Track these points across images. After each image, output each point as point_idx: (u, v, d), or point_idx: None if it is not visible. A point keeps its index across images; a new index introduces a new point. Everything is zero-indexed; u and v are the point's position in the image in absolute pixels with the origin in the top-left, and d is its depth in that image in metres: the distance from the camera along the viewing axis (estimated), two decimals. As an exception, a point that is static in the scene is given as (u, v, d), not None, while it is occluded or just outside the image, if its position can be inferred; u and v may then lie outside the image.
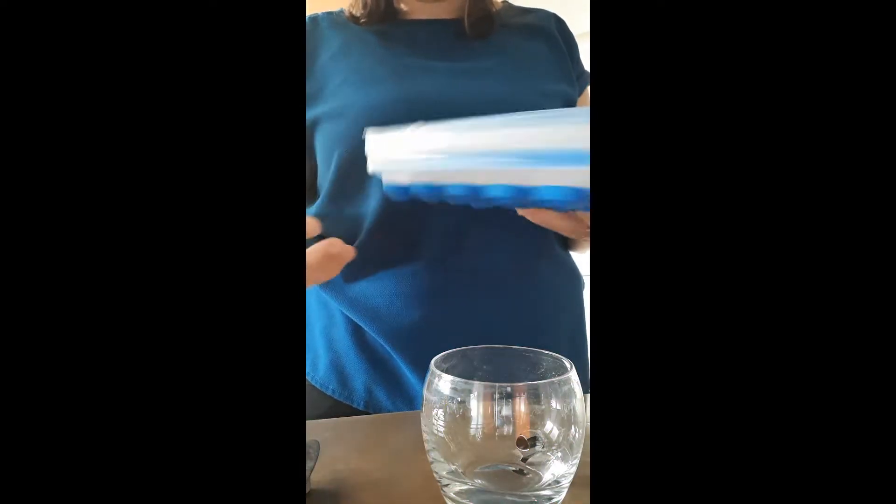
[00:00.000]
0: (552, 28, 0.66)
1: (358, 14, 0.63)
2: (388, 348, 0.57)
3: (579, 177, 0.39)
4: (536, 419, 0.31)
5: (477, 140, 0.42)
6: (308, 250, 0.48)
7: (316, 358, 0.62)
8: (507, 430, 0.31)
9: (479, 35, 0.62)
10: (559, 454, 0.32)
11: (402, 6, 0.64)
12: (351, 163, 0.55)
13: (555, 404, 0.32)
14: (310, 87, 0.59)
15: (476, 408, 0.31)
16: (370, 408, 0.58)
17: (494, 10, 0.64)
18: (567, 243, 0.65)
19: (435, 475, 0.34)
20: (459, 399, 0.32)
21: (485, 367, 0.37)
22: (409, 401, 0.57)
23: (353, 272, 0.57)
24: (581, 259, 0.69)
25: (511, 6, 0.68)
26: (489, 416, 0.31)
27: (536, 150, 0.39)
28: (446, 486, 0.33)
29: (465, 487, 0.32)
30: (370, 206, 0.56)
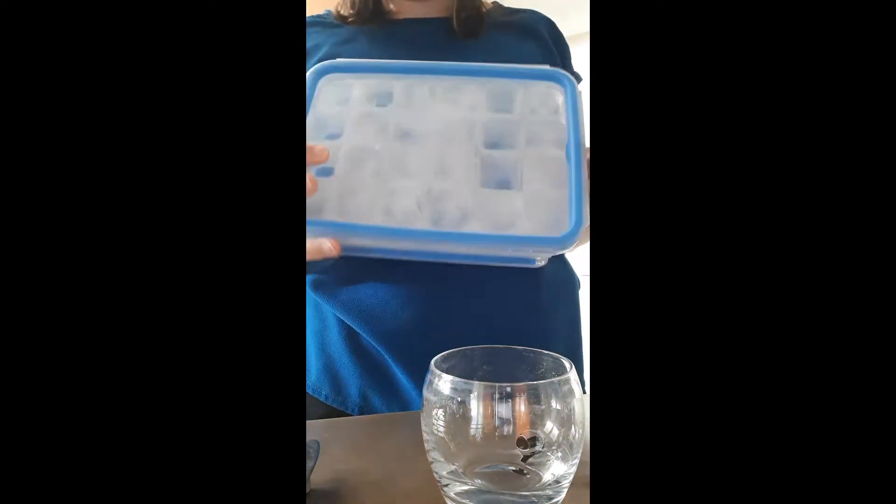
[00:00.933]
0: (542, 29, 0.66)
1: (346, 14, 0.62)
2: (382, 352, 0.56)
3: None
4: (536, 419, 0.31)
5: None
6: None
7: (307, 363, 0.61)
8: (507, 430, 0.31)
9: (468, 34, 0.61)
10: (559, 454, 0.32)
11: (391, 6, 0.64)
12: None
13: (554, 404, 0.31)
14: None
15: (476, 408, 0.31)
16: (364, 413, 0.57)
17: (484, 9, 0.64)
18: None
19: (435, 475, 0.34)
20: (459, 399, 0.32)
21: (485, 367, 0.37)
22: (405, 406, 0.56)
23: (347, 275, 0.56)
24: (580, 259, 0.69)
25: (501, 6, 0.68)
26: (489, 416, 0.31)
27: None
28: (446, 486, 0.33)
29: (465, 487, 0.32)
30: None
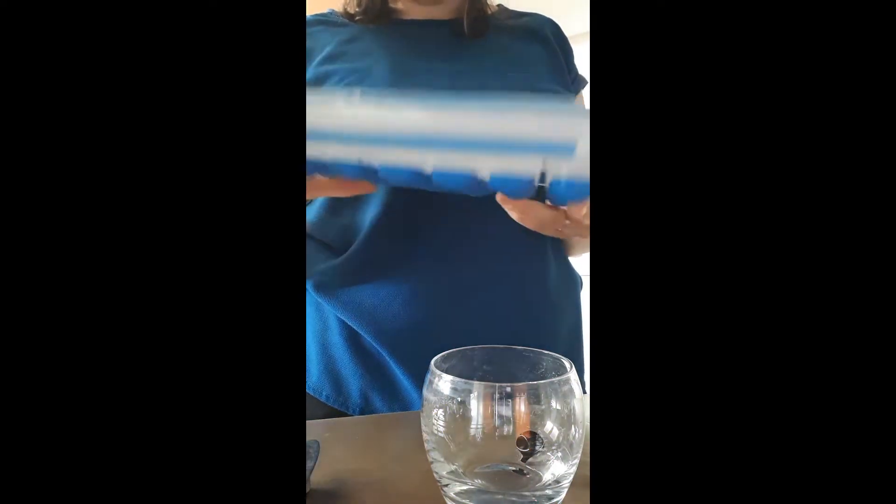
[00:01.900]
0: (547, 32, 0.66)
1: (353, 12, 0.62)
2: (384, 353, 0.56)
3: (532, 166, 0.36)
4: (536, 419, 0.31)
5: (422, 120, 0.37)
6: None
7: (308, 363, 0.61)
8: (507, 430, 0.31)
9: (475, 35, 0.62)
10: (559, 454, 0.32)
11: (399, 5, 0.64)
12: None
13: (555, 404, 0.31)
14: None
15: (476, 408, 0.31)
16: (365, 414, 0.57)
17: (490, 12, 0.64)
18: (564, 247, 0.65)
19: (435, 475, 0.34)
20: (459, 399, 0.32)
21: (485, 367, 0.37)
22: (406, 407, 0.56)
23: (349, 275, 0.57)
24: (580, 260, 0.69)
25: (506, 9, 0.68)
26: (489, 416, 0.31)
27: (487, 137, 0.36)
28: (446, 486, 0.33)
29: (465, 487, 0.32)
30: (370, 213, 0.56)
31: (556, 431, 0.32)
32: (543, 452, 0.32)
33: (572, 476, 0.32)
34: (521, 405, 0.31)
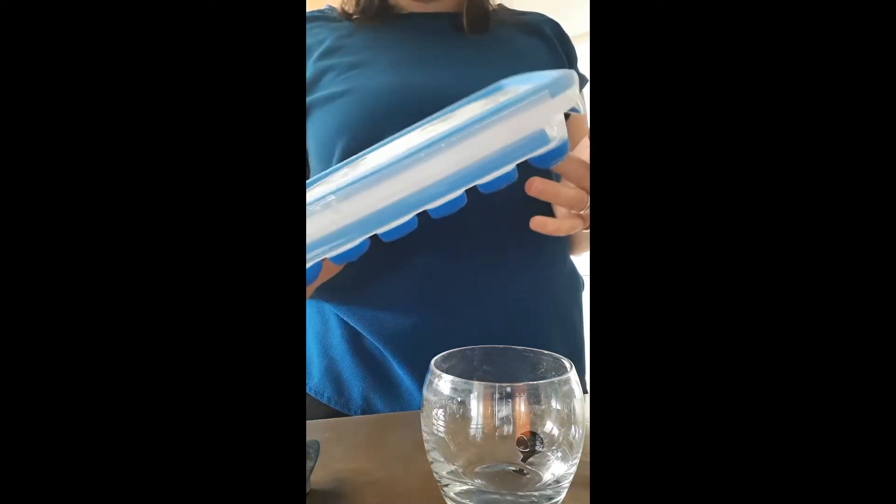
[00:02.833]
0: (548, 30, 0.66)
1: (350, 10, 0.62)
2: (386, 354, 0.56)
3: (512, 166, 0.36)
4: (536, 419, 0.31)
5: (400, 186, 0.36)
6: None
7: (310, 365, 0.61)
8: (507, 430, 0.31)
9: (475, 31, 0.62)
10: (559, 454, 0.32)
11: (398, 1, 0.63)
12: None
13: (555, 404, 0.32)
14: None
15: (476, 408, 0.31)
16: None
17: (490, 8, 0.64)
18: (570, 245, 0.65)
19: (435, 475, 0.34)
20: (459, 399, 0.32)
21: (485, 367, 0.37)
22: (407, 408, 0.56)
23: (350, 276, 0.57)
24: (580, 260, 0.69)
25: (507, 8, 0.68)
26: (489, 416, 0.31)
27: (464, 171, 0.36)
28: (446, 486, 0.33)
29: (465, 487, 0.32)
30: None
31: (556, 431, 0.32)
32: (543, 452, 0.32)
33: (572, 476, 0.32)
34: (521, 405, 0.31)
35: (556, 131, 0.37)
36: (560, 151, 0.37)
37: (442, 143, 0.35)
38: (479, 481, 0.32)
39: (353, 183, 0.36)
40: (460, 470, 0.32)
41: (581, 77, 0.68)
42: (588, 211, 0.45)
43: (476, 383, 0.31)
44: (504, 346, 0.37)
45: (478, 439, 0.31)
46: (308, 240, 0.37)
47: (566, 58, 0.66)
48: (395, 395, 0.57)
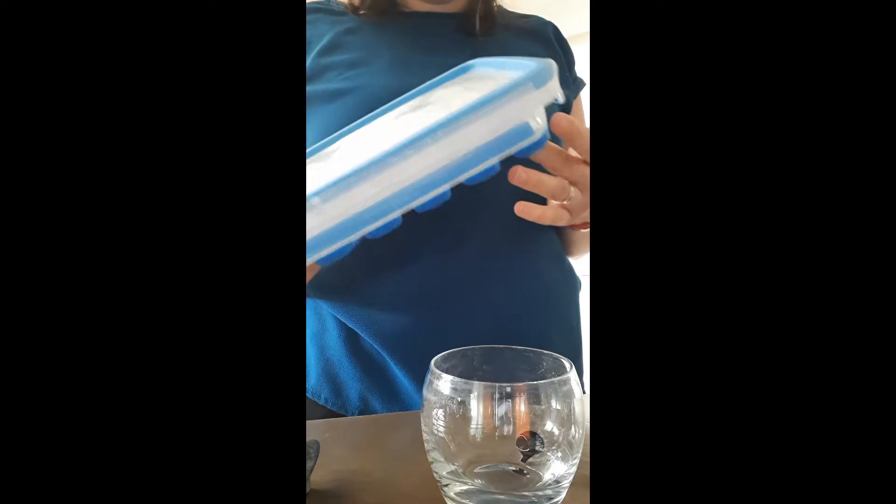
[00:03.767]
0: (549, 34, 0.66)
1: (358, 4, 0.62)
2: (384, 354, 0.56)
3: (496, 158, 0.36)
4: (536, 419, 0.31)
5: (387, 183, 0.36)
6: None
7: (307, 366, 0.61)
8: (507, 430, 0.31)
9: (484, 32, 0.62)
10: (559, 454, 0.32)
11: None
12: None
13: (555, 404, 0.32)
14: None
15: (476, 408, 0.31)
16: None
17: (495, 9, 0.64)
18: (565, 248, 0.65)
19: (435, 475, 0.34)
20: (459, 399, 0.32)
21: (485, 367, 0.37)
22: (405, 409, 0.56)
23: (348, 276, 0.56)
24: (580, 260, 0.69)
25: (507, 11, 0.68)
26: (489, 416, 0.31)
27: (450, 166, 0.35)
28: (446, 486, 0.33)
29: (465, 487, 0.32)
30: None
31: (556, 431, 0.32)
32: (543, 452, 0.32)
33: (572, 476, 0.32)
34: (521, 405, 0.31)
35: (539, 123, 0.37)
36: (541, 142, 0.37)
37: (427, 138, 0.35)
38: (479, 481, 0.32)
39: (336, 183, 0.35)
40: (460, 470, 0.32)
41: (579, 80, 0.68)
42: (573, 203, 0.45)
43: (476, 383, 0.31)
44: (504, 346, 0.37)
45: (478, 439, 0.31)
46: None
47: (566, 62, 0.66)
48: (392, 397, 0.57)
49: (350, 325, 0.57)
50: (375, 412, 0.57)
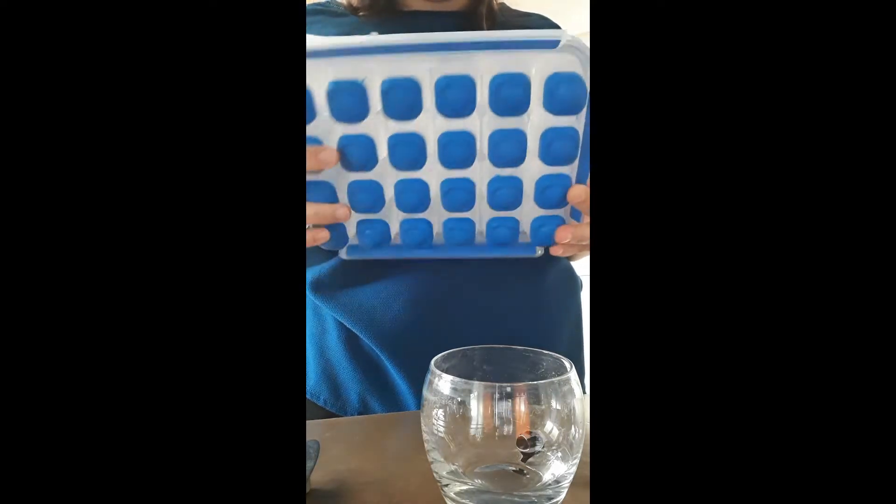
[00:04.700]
0: None
1: (357, 5, 0.62)
2: (382, 356, 0.56)
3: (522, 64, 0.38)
4: (536, 419, 0.31)
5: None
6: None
7: (306, 367, 0.61)
8: (507, 430, 0.31)
9: (489, 30, 0.61)
10: (559, 454, 0.32)
11: None
12: None
13: (555, 404, 0.31)
14: None
15: (476, 408, 0.31)
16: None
17: (496, 7, 0.64)
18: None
19: (435, 475, 0.34)
20: (459, 399, 0.32)
21: (485, 367, 0.37)
22: (404, 410, 0.56)
23: (347, 277, 0.56)
24: (580, 261, 0.69)
25: (508, 9, 0.68)
26: (489, 416, 0.31)
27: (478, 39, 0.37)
28: (446, 486, 0.33)
29: (465, 487, 0.32)
30: None
31: (556, 431, 0.32)
32: (543, 452, 0.32)
33: (572, 476, 0.32)
34: (521, 405, 0.31)
35: (566, 40, 0.38)
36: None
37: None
38: (479, 481, 0.32)
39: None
40: (460, 470, 0.32)
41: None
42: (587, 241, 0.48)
43: (476, 383, 0.31)
44: (504, 346, 0.37)
45: (478, 439, 0.31)
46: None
47: None
48: (391, 398, 0.57)
49: (349, 326, 0.57)
50: (374, 413, 0.57)
